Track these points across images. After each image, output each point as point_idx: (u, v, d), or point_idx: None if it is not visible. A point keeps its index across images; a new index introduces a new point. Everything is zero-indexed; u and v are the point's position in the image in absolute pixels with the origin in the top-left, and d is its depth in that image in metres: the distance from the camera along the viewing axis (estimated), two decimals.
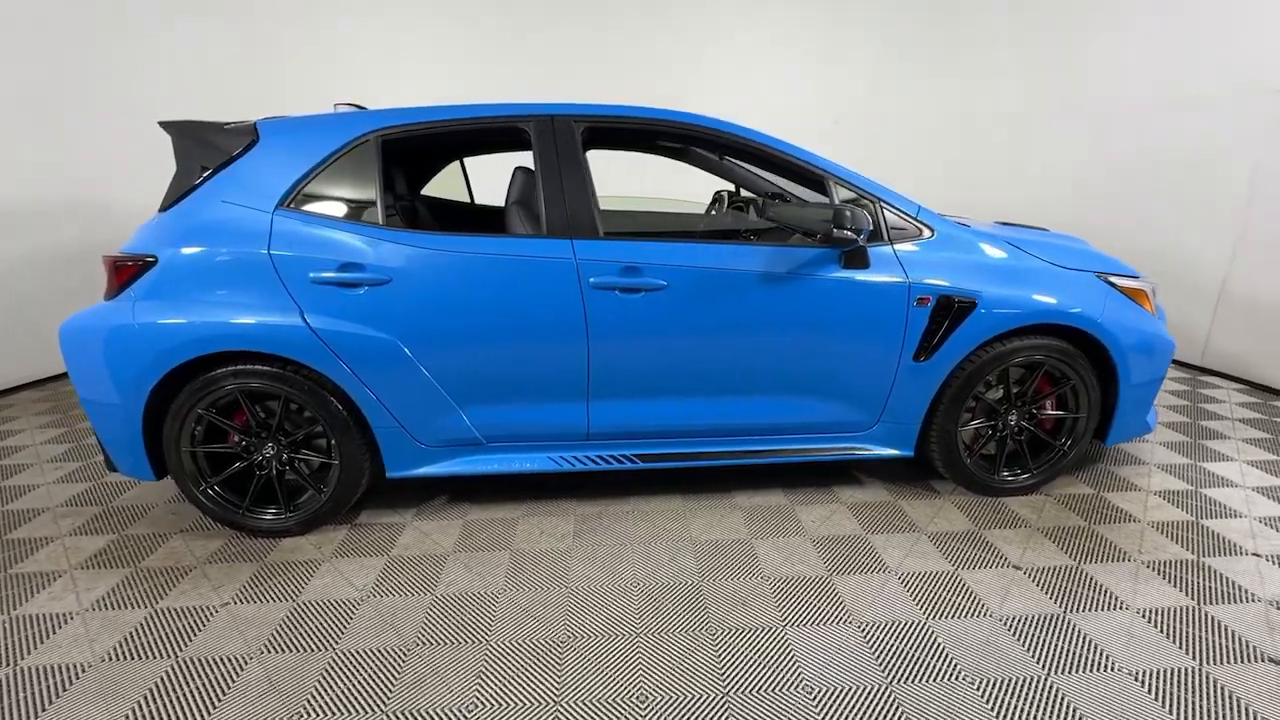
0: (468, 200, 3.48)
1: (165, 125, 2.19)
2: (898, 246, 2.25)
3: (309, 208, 2.13)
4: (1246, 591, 1.91)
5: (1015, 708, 1.49)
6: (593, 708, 1.50)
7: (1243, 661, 1.62)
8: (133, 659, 1.65)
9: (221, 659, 1.65)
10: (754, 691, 1.54)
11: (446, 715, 1.47)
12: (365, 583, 1.98)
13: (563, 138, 2.22)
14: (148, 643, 1.72)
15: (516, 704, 1.50)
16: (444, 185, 3.21)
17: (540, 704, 1.51)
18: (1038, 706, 1.49)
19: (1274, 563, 2.05)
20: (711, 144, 2.52)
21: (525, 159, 2.39)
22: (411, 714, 1.48)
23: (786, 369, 2.28)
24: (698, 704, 1.50)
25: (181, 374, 2.08)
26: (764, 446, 2.39)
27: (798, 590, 1.93)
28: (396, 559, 2.11)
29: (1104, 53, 4.46)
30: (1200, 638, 1.71)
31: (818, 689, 1.55)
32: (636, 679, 1.58)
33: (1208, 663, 1.62)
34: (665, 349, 2.21)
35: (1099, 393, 2.39)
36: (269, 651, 1.68)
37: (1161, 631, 1.74)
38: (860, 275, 2.20)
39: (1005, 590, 1.93)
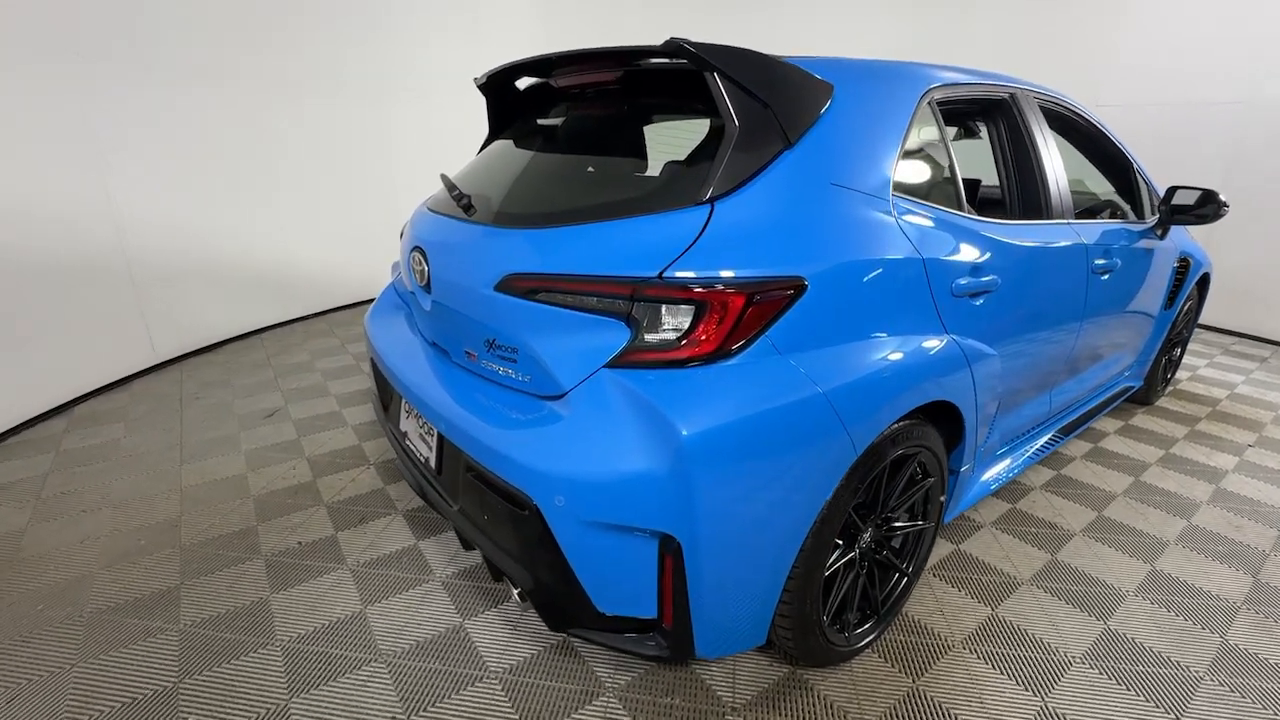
0: None
1: (696, 47, 1.27)
2: None
3: (906, 192, 1.55)
4: None
5: None
6: None
7: None
8: None
9: None
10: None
11: None
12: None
13: (1037, 114, 2.08)
14: None
15: None
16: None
17: None
18: None
19: None
20: (1082, 135, 2.54)
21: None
22: None
23: (1135, 322, 2.64)
24: None
25: None
26: (1097, 401, 2.70)
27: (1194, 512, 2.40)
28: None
29: None
30: None
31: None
32: None
33: None
34: (1105, 322, 2.34)
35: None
36: None
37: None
38: (1163, 243, 2.69)
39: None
